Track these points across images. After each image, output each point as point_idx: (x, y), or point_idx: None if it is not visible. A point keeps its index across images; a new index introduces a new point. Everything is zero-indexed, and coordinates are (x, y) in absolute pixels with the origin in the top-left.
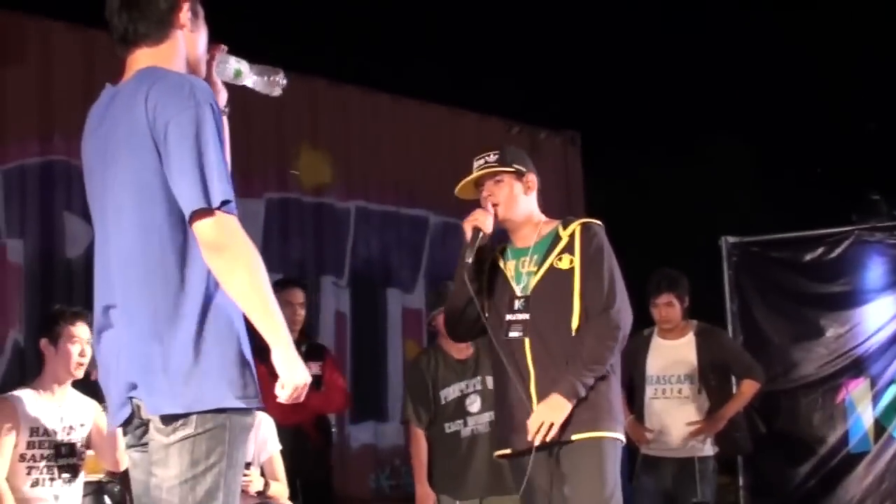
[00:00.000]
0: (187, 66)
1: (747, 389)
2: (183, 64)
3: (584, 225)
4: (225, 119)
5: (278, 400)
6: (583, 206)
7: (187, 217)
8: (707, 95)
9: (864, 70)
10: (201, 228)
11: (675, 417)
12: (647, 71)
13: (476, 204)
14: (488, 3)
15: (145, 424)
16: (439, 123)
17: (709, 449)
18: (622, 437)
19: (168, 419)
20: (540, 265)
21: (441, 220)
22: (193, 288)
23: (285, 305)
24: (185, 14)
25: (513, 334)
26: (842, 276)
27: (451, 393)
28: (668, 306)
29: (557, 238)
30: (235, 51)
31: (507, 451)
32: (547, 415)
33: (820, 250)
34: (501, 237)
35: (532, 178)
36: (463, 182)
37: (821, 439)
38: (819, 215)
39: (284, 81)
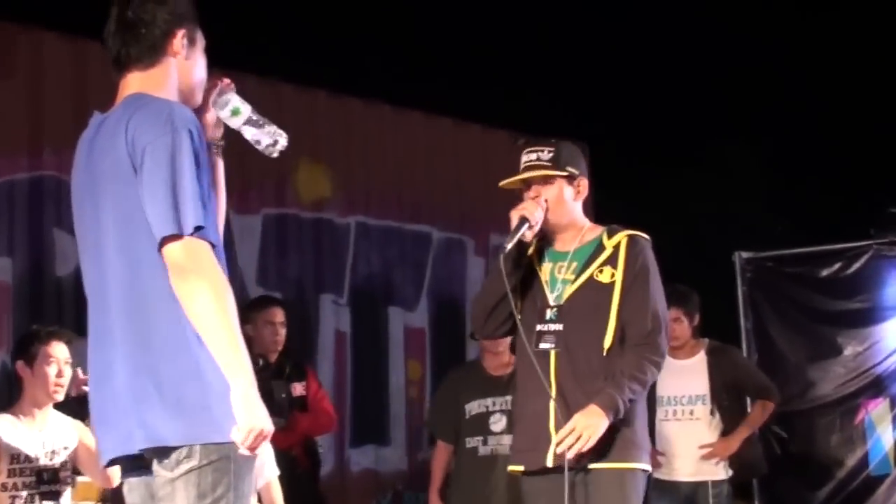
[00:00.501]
0: (179, 94)
1: (762, 410)
2: (174, 91)
3: (631, 238)
4: (219, 155)
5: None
6: (591, 220)
7: (157, 242)
8: (720, 104)
9: (884, 78)
10: (169, 252)
11: (687, 440)
12: (656, 80)
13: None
14: (493, 13)
15: (143, 457)
16: (443, 136)
17: (722, 472)
18: (648, 466)
19: (171, 452)
20: (578, 274)
21: (445, 236)
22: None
23: (265, 325)
24: (179, 41)
25: (544, 345)
26: (860, 293)
27: (474, 408)
28: (676, 322)
29: (601, 247)
30: (235, 62)
31: (521, 467)
32: (581, 424)
33: (837, 265)
34: (540, 238)
35: (584, 184)
36: (511, 180)
37: (839, 461)
38: (836, 229)
39: (285, 145)
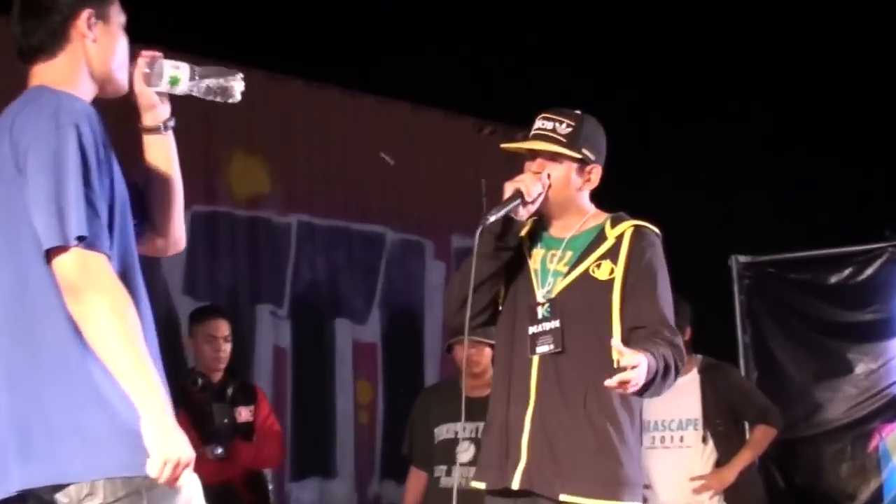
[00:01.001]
0: (92, 83)
1: (762, 436)
2: (83, 81)
3: (637, 229)
4: (169, 135)
5: (151, 476)
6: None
7: (42, 256)
8: (716, 90)
9: None
10: (58, 268)
11: (677, 471)
12: (644, 62)
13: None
14: None
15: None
16: (399, 123)
17: None
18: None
19: (65, 490)
20: (572, 267)
21: (400, 238)
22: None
23: (206, 339)
24: (84, 22)
25: (542, 349)
26: (873, 302)
27: (443, 432)
28: None
29: (601, 237)
30: (155, 39)
31: (482, 485)
32: (634, 360)
33: (847, 271)
34: (535, 220)
35: (597, 173)
36: (515, 145)
37: (850, 495)
38: (846, 230)
39: (241, 85)
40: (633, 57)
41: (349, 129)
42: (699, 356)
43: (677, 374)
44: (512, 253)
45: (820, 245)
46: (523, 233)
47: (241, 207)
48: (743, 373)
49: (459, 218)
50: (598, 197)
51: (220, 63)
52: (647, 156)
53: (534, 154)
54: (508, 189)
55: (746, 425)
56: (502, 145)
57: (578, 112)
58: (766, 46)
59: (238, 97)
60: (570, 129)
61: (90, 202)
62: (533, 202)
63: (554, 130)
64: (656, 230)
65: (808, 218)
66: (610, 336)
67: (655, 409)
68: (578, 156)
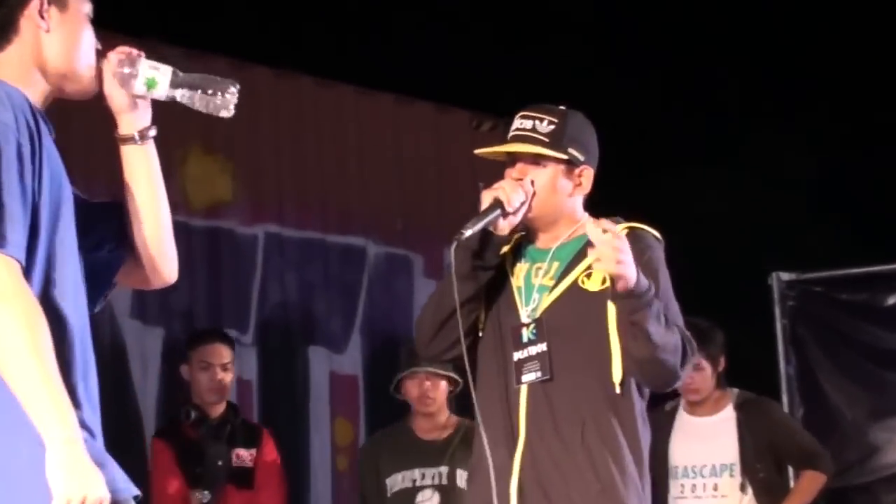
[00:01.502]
0: (45, 78)
1: (809, 484)
2: (35, 75)
3: (632, 231)
4: (149, 146)
5: None
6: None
7: None
8: (755, 79)
9: None
10: None
11: None
12: (673, 47)
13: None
14: None
15: None
16: (383, 118)
17: None
18: None
19: None
20: (559, 279)
21: (384, 252)
22: None
23: (201, 367)
24: (34, 10)
25: (528, 377)
26: None
27: (398, 482)
28: (695, 370)
29: (591, 244)
30: (106, 23)
31: None
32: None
33: None
34: (520, 232)
35: (587, 176)
36: (490, 150)
37: None
38: None
39: (235, 98)
40: (652, 41)
41: (326, 124)
42: (735, 390)
43: (685, 357)
44: (492, 273)
45: (876, 260)
46: (506, 249)
47: (199, 216)
48: (786, 409)
49: (453, 228)
50: (607, 203)
51: (178, 48)
52: (666, 154)
53: (513, 158)
54: (486, 199)
55: (791, 471)
56: (476, 151)
57: (562, 108)
58: (810, 23)
59: (231, 111)
60: (552, 128)
61: (0, 201)
62: (515, 213)
63: (534, 130)
64: (656, 234)
65: (862, 228)
66: (607, 357)
67: (685, 452)
68: (564, 157)
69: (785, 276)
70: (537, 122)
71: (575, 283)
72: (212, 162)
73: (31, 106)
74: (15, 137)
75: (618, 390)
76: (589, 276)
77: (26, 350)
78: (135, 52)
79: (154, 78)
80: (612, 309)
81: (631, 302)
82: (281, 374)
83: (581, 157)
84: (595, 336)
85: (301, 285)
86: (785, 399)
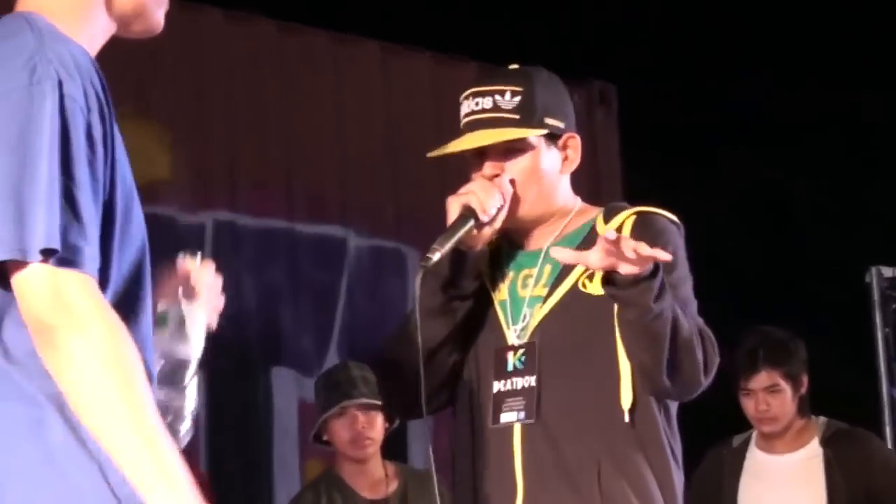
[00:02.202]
0: (110, 14)
1: None
2: (96, 10)
3: (641, 216)
4: None
5: None
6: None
7: None
8: (829, 29)
9: None
10: (21, 292)
11: None
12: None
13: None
14: None
15: None
16: (367, 73)
17: None
18: None
19: None
20: (554, 286)
21: (369, 245)
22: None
23: None
24: None
25: (507, 417)
26: None
27: None
28: (771, 393)
29: (592, 236)
30: None
31: None
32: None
33: None
34: (499, 235)
35: (575, 144)
36: (445, 151)
37: None
38: None
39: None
40: None
41: (293, 81)
42: (822, 420)
43: (706, 364)
44: (471, 302)
45: None
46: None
47: None
48: (890, 444)
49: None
50: (655, 184)
51: None
52: (735, 124)
53: (479, 152)
54: (453, 208)
55: None
56: (429, 155)
57: (518, 67)
58: None
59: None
60: (518, 99)
61: (70, 198)
62: (491, 221)
63: (497, 108)
64: (672, 217)
65: None
66: (616, 376)
67: (758, 500)
68: (543, 130)
69: (888, 271)
70: (497, 96)
71: (574, 287)
72: (145, 130)
73: (96, 69)
74: (84, 117)
75: (628, 417)
76: (592, 276)
77: (116, 393)
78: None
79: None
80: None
81: (637, 290)
82: (236, 403)
83: (562, 125)
84: (602, 350)
85: (261, 289)
86: (888, 431)
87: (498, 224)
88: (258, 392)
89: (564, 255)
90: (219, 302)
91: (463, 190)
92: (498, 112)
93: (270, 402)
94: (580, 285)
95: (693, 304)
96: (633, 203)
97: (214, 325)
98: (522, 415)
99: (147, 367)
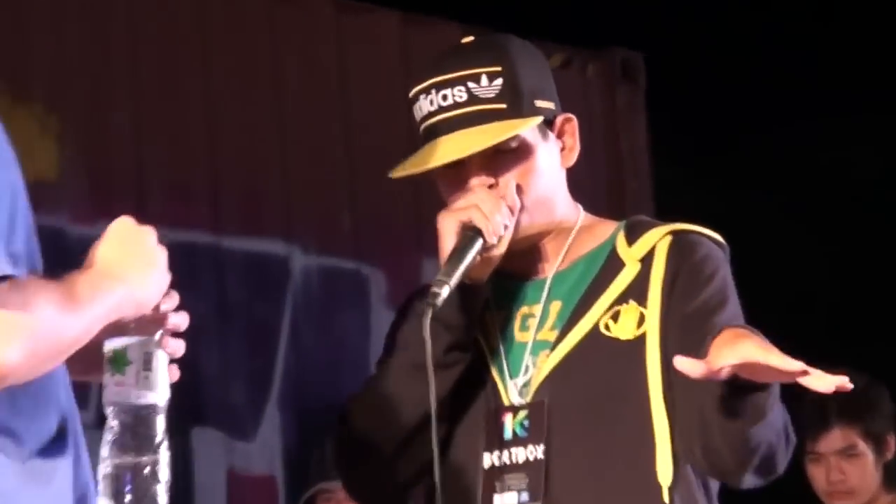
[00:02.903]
0: None
1: None
2: None
3: (677, 237)
4: None
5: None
6: (649, 198)
7: None
8: None
9: None
10: None
11: None
12: None
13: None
14: None
15: None
16: (318, 37)
17: None
18: None
19: None
20: (566, 328)
21: (320, 265)
22: None
23: None
24: None
25: (504, 500)
26: None
27: None
28: (846, 458)
29: (613, 264)
30: None
31: None
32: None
33: None
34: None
35: (572, 127)
36: (422, 167)
37: None
38: None
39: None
40: None
41: (219, 50)
42: None
43: (787, 432)
44: (472, 347)
45: None
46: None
47: None
48: None
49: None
50: (689, 176)
51: None
52: (787, 101)
53: (460, 166)
54: (448, 227)
55: None
56: (392, 174)
57: (479, 40)
58: None
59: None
60: (500, 81)
61: None
62: (498, 242)
63: (473, 99)
64: (716, 236)
65: None
66: (651, 444)
67: None
68: (538, 118)
69: None
70: (471, 83)
71: (595, 329)
72: (22, 115)
73: None
74: None
75: (668, 497)
76: (616, 316)
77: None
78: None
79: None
80: (653, 365)
81: (757, 396)
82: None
83: (552, 106)
84: (634, 413)
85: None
86: None
87: (504, 247)
88: (174, 459)
89: (694, 368)
90: (177, 346)
91: (461, 203)
92: (477, 104)
93: (191, 471)
94: (601, 327)
95: None
96: (662, 213)
97: (176, 375)
98: (525, 496)
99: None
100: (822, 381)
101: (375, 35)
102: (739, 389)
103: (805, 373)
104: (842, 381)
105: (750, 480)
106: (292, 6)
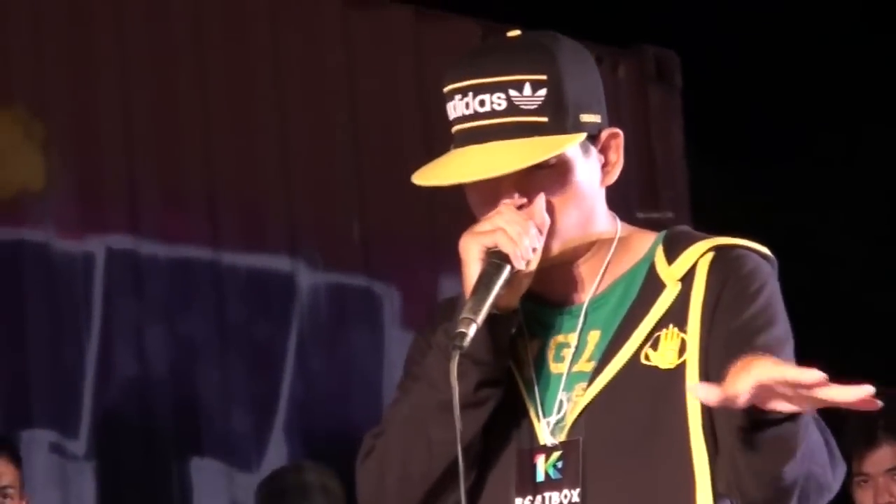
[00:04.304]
0: None
1: None
2: None
3: (719, 253)
4: None
5: None
6: (686, 210)
7: None
8: None
9: None
10: None
11: None
12: None
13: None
14: None
15: None
16: (325, 35)
17: None
18: None
19: None
20: (605, 358)
21: (329, 283)
22: None
23: None
24: None
25: None
26: None
27: None
28: (894, 479)
29: (653, 284)
30: None
31: None
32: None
33: None
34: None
35: (617, 142)
36: (448, 180)
37: None
38: None
39: None
40: None
41: (217, 49)
42: None
43: (833, 458)
44: (503, 385)
45: None
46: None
47: None
48: None
49: (456, 239)
50: (726, 183)
51: None
52: (833, 103)
53: (493, 179)
54: (472, 252)
55: None
56: (416, 179)
57: (527, 39)
58: None
59: None
60: (544, 91)
61: None
62: (527, 266)
63: (513, 109)
64: (763, 250)
65: None
66: (691, 481)
67: None
68: (582, 135)
69: None
70: (512, 90)
71: (635, 359)
72: (6, 122)
73: None
74: None
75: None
76: (656, 341)
77: None
78: None
79: None
80: (693, 398)
81: (783, 430)
82: None
83: (598, 119)
84: (674, 449)
85: (175, 345)
86: None
87: (533, 269)
88: (172, 493)
89: (709, 395)
90: None
91: (485, 226)
92: (516, 115)
93: None
94: (642, 358)
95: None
96: (700, 224)
97: None
98: None
99: None
100: (844, 393)
101: (386, 32)
102: (764, 422)
103: (825, 383)
104: (867, 391)
105: None
106: (295, 1)
